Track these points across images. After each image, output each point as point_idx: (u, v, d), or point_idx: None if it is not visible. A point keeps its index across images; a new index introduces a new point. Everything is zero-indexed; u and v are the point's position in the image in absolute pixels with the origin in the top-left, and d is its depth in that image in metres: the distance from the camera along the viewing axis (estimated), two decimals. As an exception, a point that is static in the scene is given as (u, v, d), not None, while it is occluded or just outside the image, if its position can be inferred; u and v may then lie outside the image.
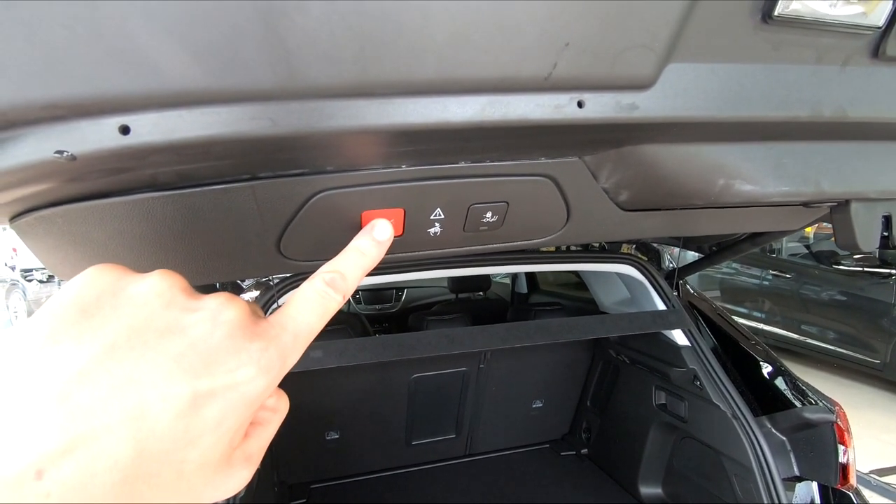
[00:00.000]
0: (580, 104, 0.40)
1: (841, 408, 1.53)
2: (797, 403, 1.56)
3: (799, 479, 1.53)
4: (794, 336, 5.01)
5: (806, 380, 1.67)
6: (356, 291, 3.58)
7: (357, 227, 0.42)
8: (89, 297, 0.25)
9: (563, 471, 2.38)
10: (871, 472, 3.05)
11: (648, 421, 2.03)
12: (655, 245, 2.15)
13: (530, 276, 3.54)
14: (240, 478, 0.27)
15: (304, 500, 2.11)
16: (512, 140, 0.43)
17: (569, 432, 2.59)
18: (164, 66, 0.31)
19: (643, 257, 1.96)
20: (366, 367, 1.97)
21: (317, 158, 0.42)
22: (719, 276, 5.79)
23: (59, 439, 0.21)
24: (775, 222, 0.74)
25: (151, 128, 0.32)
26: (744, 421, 1.59)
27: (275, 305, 1.48)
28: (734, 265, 5.58)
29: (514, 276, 3.70)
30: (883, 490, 2.90)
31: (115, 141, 0.32)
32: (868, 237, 0.60)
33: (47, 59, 0.29)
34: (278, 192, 0.44)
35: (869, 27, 0.44)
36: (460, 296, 3.73)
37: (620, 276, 1.99)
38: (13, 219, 0.46)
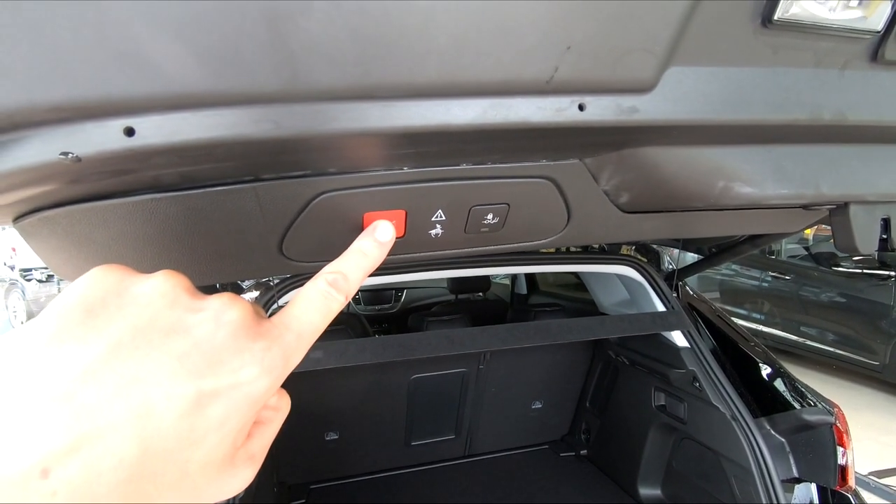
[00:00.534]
0: (581, 107, 0.40)
1: (840, 409, 1.54)
2: (796, 405, 1.57)
3: (798, 480, 1.53)
4: (794, 338, 5.02)
5: (805, 381, 1.67)
6: (356, 292, 3.58)
7: (359, 229, 0.43)
8: (94, 297, 0.25)
9: (563, 472, 2.38)
10: (870, 473, 3.06)
11: (648, 422, 2.03)
12: (655, 246, 2.15)
13: (530, 278, 3.54)
14: (243, 477, 0.27)
15: (303, 501, 2.12)
16: (513, 142, 0.43)
17: (568, 433, 2.59)
18: (168, 68, 0.31)
19: (643, 259, 1.97)
20: (365, 367, 1.97)
21: (319, 160, 0.42)
22: (718, 277, 5.80)
23: (64, 438, 0.21)
24: (775, 224, 0.75)
25: (156, 130, 0.32)
26: (743, 422, 1.59)
27: (275, 306, 1.48)
28: (733, 267, 5.59)
29: (514, 277, 3.70)
30: (882, 492, 2.90)
31: (120, 143, 0.32)
32: (867, 240, 0.60)
33: (53, 61, 0.29)
34: (281, 194, 0.44)
35: (868, 31, 0.44)
36: (460, 296, 3.73)
37: (620, 277, 2.00)
38: (17, 219, 0.46)
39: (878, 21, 0.43)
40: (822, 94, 0.46)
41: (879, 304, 4.29)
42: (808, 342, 4.89)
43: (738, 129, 0.46)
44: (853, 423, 1.55)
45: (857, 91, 0.47)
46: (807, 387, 1.64)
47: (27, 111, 0.30)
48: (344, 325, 1.93)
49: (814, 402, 1.55)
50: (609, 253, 1.94)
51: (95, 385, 0.23)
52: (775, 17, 0.41)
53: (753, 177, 0.52)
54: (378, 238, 0.38)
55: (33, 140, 0.32)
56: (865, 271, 4.43)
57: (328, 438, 2.17)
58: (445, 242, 0.54)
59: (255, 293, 1.64)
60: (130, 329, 0.25)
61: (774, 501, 1.47)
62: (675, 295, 1.90)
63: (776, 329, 5.17)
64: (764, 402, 1.66)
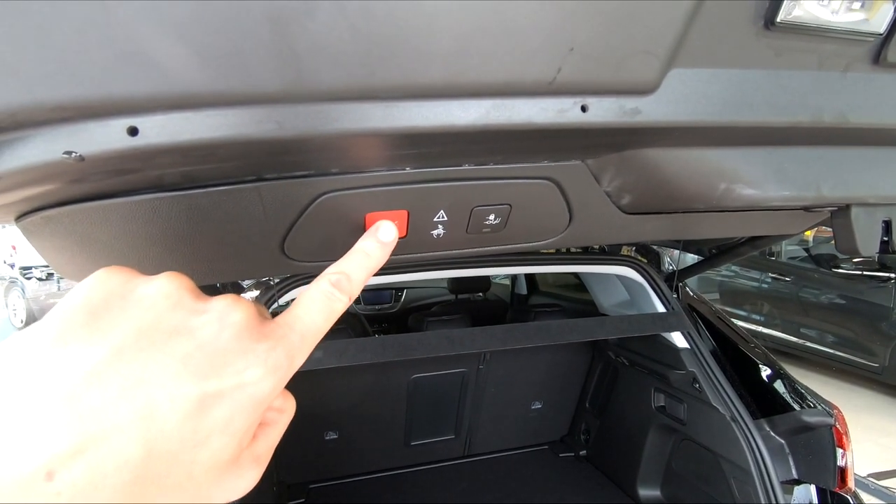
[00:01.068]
0: (584, 108, 0.40)
1: (839, 411, 1.54)
2: (796, 406, 1.57)
3: (797, 482, 1.53)
4: (793, 339, 5.02)
5: (804, 383, 1.67)
6: (357, 292, 3.58)
7: (361, 229, 0.42)
8: (97, 299, 0.25)
9: (562, 472, 2.38)
10: (869, 475, 3.06)
11: (647, 423, 2.03)
12: (655, 247, 2.15)
13: (530, 278, 3.54)
14: (248, 478, 0.27)
15: (302, 500, 2.12)
16: (515, 143, 0.43)
17: (567, 434, 2.59)
18: (171, 68, 0.31)
19: (643, 259, 1.97)
20: (365, 367, 1.97)
21: (322, 160, 0.42)
22: (718, 278, 5.79)
23: (69, 440, 0.21)
24: (776, 226, 0.75)
25: (159, 129, 0.32)
26: (742, 424, 1.59)
27: (275, 305, 1.48)
28: (733, 268, 5.59)
29: (514, 278, 3.70)
30: (881, 494, 2.90)
31: (123, 142, 0.32)
32: (868, 242, 0.60)
33: (57, 60, 0.29)
34: (283, 194, 0.44)
35: (870, 34, 0.44)
36: (460, 296, 3.73)
37: (620, 278, 2.00)
38: (19, 218, 0.46)
39: (880, 23, 0.43)
40: (824, 97, 0.46)
41: (879, 306, 4.29)
42: (808, 344, 4.88)
43: (740, 131, 0.46)
44: (852, 425, 1.55)
45: (859, 93, 0.47)
46: (807, 388, 1.64)
47: (31, 110, 0.30)
48: (344, 325, 1.93)
49: (813, 404, 1.56)
50: (609, 254, 1.94)
51: (100, 387, 0.23)
52: (778, 19, 0.41)
53: (755, 179, 0.52)
54: (381, 238, 0.38)
55: (37, 139, 0.32)
56: (865, 273, 4.43)
57: (328, 438, 2.17)
58: (447, 243, 0.54)
59: (256, 292, 1.64)
60: (134, 331, 0.25)
61: (774, 503, 1.47)
62: (675, 296, 1.90)
63: (776, 330, 5.17)
64: (764, 403, 1.66)
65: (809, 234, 5.12)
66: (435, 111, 0.36)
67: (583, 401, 2.50)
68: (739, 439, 1.58)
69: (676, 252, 2.04)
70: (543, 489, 2.27)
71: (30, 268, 6.97)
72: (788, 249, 5.25)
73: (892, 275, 4.26)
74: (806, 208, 0.64)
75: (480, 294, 3.84)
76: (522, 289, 3.61)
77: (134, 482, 0.22)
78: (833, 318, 4.66)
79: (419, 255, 0.58)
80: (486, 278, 3.70)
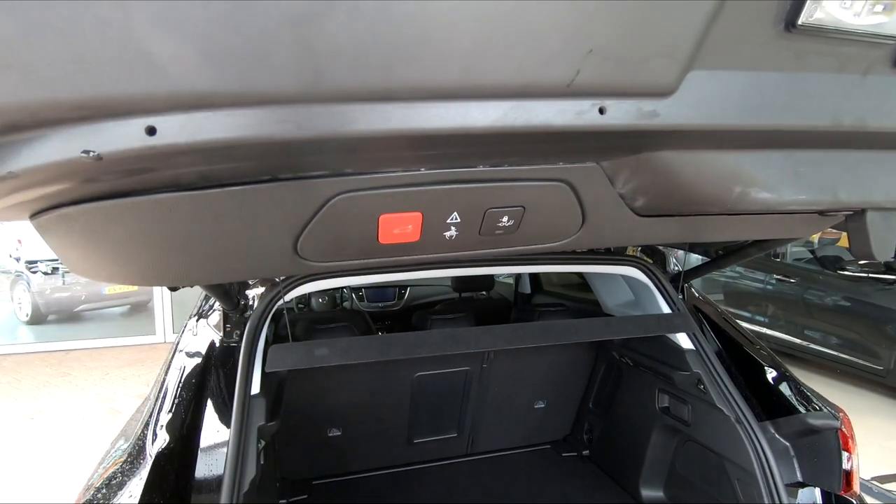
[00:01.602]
0: (602, 111, 0.40)
1: (845, 414, 1.53)
2: (801, 409, 1.56)
3: (802, 484, 1.53)
4: (797, 341, 5.00)
5: (808, 385, 1.66)
6: (359, 289, 3.58)
7: (374, 231, 0.42)
8: None
9: (565, 472, 2.38)
10: (873, 478, 3.05)
11: (651, 424, 2.03)
12: (661, 248, 2.14)
13: (534, 277, 3.53)
14: None
15: (305, 497, 2.12)
16: (531, 145, 0.43)
17: (570, 433, 2.59)
18: (191, 68, 0.31)
19: (649, 260, 1.96)
20: (369, 365, 1.97)
21: (338, 161, 0.42)
22: (723, 279, 5.78)
23: None
24: (789, 230, 0.74)
25: (178, 129, 0.32)
26: (747, 426, 1.59)
27: (280, 302, 1.48)
28: (738, 269, 5.57)
29: (518, 277, 3.69)
30: (884, 497, 2.89)
31: (142, 141, 0.32)
32: (884, 246, 0.60)
33: (77, 59, 0.29)
34: (298, 194, 0.44)
35: (891, 37, 0.44)
36: (463, 295, 3.72)
37: (625, 278, 1.99)
38: (34, 215, 0.46)
39: None
40: (843, 100, 0.46)
41: (885, 308, 4.27)
42: (812, 346, 4.87)
43: (757, 135, 0.46)
44: (856, 428, 1.54)
45: (878, 97, 0.46)
46: (812, 391, 1.63)
47: (51, 108, 0.30)
48: (348, 323, 1.93)
49: (819, 407, 1.55)
50: (615, 254, 1.93)
51: None
52: (799, 22, 0.41)
53: (770, 182, 0.52)
54: None
55: (55, 138, 0.32)
56: (871, 276, 4.41)
57: (331, 435, 2.17)
58: (459, 244, 0.54)
59: (261, 289, 1.64)
60: None
61: (778, 505, 1.47)
62: (680, 297, 1.89)
63: (780, 332, 5.15)
64: (769, 405, 1.65)
65: (815, 236, 5.09)
66: (453, 113, 0.36)
67: (586, 400, 2.49)
68: (744, 441, 1.58)
69: (681, 253, 2.03)
70: (546, 488, 2.27)
71: (35, 262, 6.99)
72: (793, 251, 5.22)
73: (898, 277, 4.24)
74: (821, 212, 0.64)
75: (484, 293, 3.84)
76: (526, 288, 3.60)
77: None
78: (838, 321, 4.64)
79: (429, 256, 0.57)
80: (490, 277, 3.70)
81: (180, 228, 0.45)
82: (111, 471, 1.23)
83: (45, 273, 6.93)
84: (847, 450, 1.47)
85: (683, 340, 1.84)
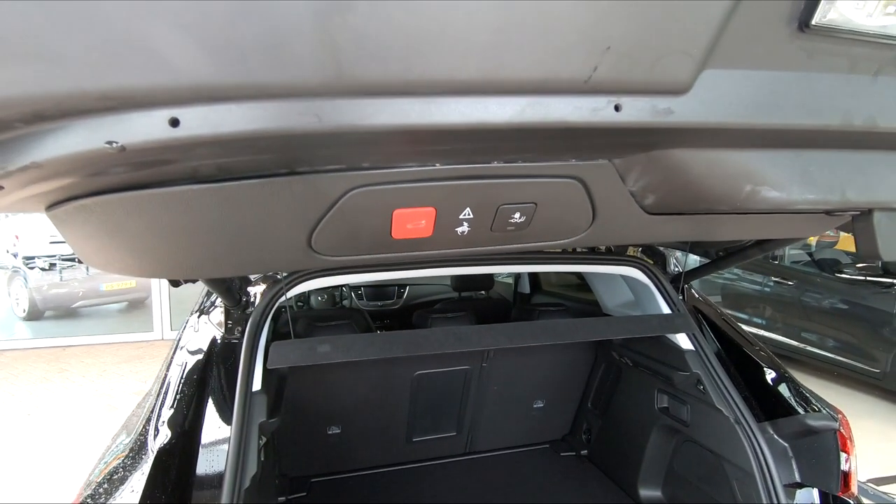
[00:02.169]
0: (617, 108, 0.40)
1: (844, 416, 1.54)
2: (800, 410, 1.57)
3: (800, 485, 1.54)
4: (794, 343, 5.02)
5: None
6: (359, 287, 3.58)
7: (388, 226, 0.43)
8: None
9: (563, 471, 2.38)
10: (869, 480, 3.06)
11: (650, 424, 2.03)
12: (661, 248, 2.15)
13: (533, 277, 3.53)
14: None
15: (304, 494, 2.12)
16: (546, 141, 0.44)
17: (569, 433, 2.60)
18: (215, 60, 0.31)
19: (649, 260, 1.96)
20: (369, 363, 1.97)
21: (355, 155, 0.42)
22: (721, 281, 5.79)
23: None
24: (796, 229, 0.75)
25: (201, 121, 0.33)
26: (746, 426, 1.60)
27: (283, 298, 1.48)
28: (736, 271, 5.59)
29: (518, 276, 3.69)
30: (880, 499, 2.91)
31: (165, 133, 0.33)
32: (890, 246, 0.60)
33: (103, 50, 0.30)
34: (314, 187, 0.44)
35: None
36: (463, 294, 3.72)
37: (625, 278, 2.00)
38: (50, 207, 0.46)
39: None
40: (855, 100, 0.46)
41: (882, 311, 4.29)
42: (809, 348, 4.89)
43: (768, 133, 0.46)
44: (852, 430, 1.55)
45: (889, 97, 0.47)
46: (811, 392, 1.64)
47: (76, 98, 0.30)
48: (348, 321, 1.93)
49: (818, 408, 1.56)
50: (615, 254, 1.94)
51: None
52: (813, 22, 0.41)
53: (780, 181, 0.52)
54: None
55: (79, 129, 0.32)
56: (868, 279, 4.43)
57: (330, 432, 2.17)
58: (471, 240, 0.54)
59: (263, 286, 1.64)
60: None
61: (776, 505, 1.48)
62: (680, 298, 1.90)
63: (777, 334, 5.17)
64: (768, 406, 1.66)
65: (812, 239, 5.11)
66: (472, 107, 0.37)
67: (585, 400, 2.50)
68: (743, 442, 1.58)
69: (681, 253, 2.04)
70: (544, 487, 2.27)
71: (33, 257, 6.97)
72: (791, 254, 5.24)
73: (895, 281, 4.26)
74: (828, 212, 0.64)
75: (483, 292, 3.84)
76: (525, 288, 3.61)
77: None
78: (835, 323, 4.66)
79: (440, 251, 0.58)
80: (490, 276, 3.70)
81: (196, 221, 0.45)
82: (112, 466, 1.23)
83: (43, 269, 6.91)
84: (845, 451, 1.47)
85: (683, 341, 1.85)
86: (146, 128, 0.33)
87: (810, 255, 5.05)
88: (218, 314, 1.69)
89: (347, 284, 2.82)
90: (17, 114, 0.31)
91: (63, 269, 6.84)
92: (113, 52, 0.30)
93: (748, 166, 0.52)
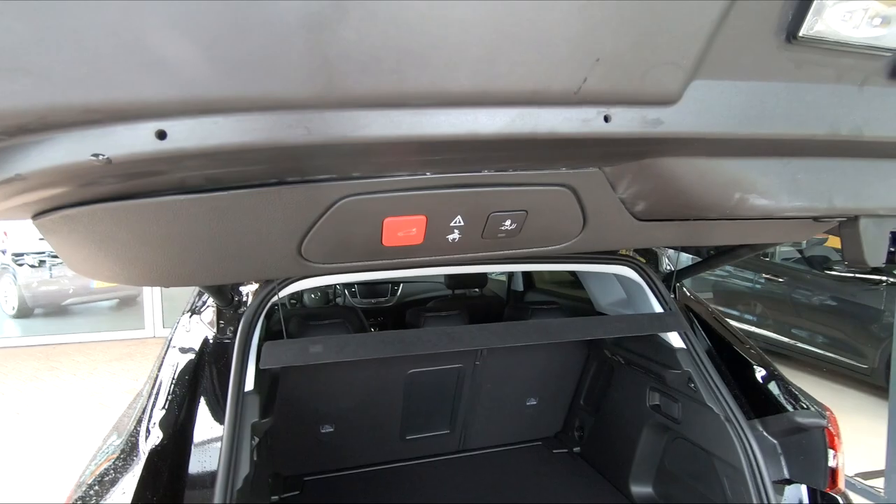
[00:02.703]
0: (607, 118, 0.40)
1: (832, 413, 1.56)
2: (789, 408, 1.59)
3: (789, 481, 1.56)
4: (785, 339, 5.07)
5: (795, 384, 1.69)
6: (352, 285, 3.57)
7: (378, 234, 0.43)
8: None
9: (555, 468, 2.40)
10: (856, 475, 3.11)
11: (641, 421, 2.05)
12: (653, 248, 2.16)
13: (527, 275, 3.54)
14: None
15: (297, 493, 2.12)
16: (537, 151, 0.44)
17: (562, 430, 2.61)
18: (203, 73, 0.31)
19: (642, 259, 1.98)
20: (362, 362, 1.97)
21: (345, 165, 0.42)
22: (712, 278, 5.84)
23: None
24: (784, 234, 0.75)
25: (188, 133, 0.32)
26: (736, 424, 1.61)
27: (275, 298, 1.48)
28: (727, 268, 5.63)
29: (511, 274, 3.70)
30: (867, 493, 2.95)
31: (152, 145, 0.32)
32: (876, 252, 0.61)
33: (88, 63, 0.29)
34: (304, 197, 0.44)
35: (888, 49, 0.45)
36: (456, 292, 3.73)
37: (618, 277, 2.01)
38: (37, 216, 0.45)
39: None
40: (841, 110, 0.47)
41: (870, 308, 4.35)
42: (799, 344, 4.94)
43: (757, 143, 0.47)
44: (841, 425, 1.57)
45: (874, 107, 0.47)
46: (800, 390, 1.66)
47: (61, 112, 0.30)
48: (342, 319, 1.93)
49: (807, 406, 1.58)
50: (608, 253, 1.95)
51: None
52: (800, 34, 0.42)
53: (769, 189, 0.53)
54: None
55: (64, 141, 0.32)
56: (857, 276, 4.48)
57: (323, 431, 2.17)
58: (462, 247, 0.54)
59: (255, 286, 1.64)
60: None
61: (765, 502, 1.50)
62: (672, 296, 1.91)
63: (767, 331, 5.22)
64: (757, 404, 1.68)
65: (803, 236, 5.16)
66: (462, 119, 0.37)
67: (577, 398, 2.52)
68: (733, 439, 1.60)
69: (673, 252, 2.05)
70: (537, 484, 2.29)
71: (22, 254, 6.90)
72: (782, 251, 5.29)
73: (884, 278, 4.31)
74: (815, 218, 0.65)
75: (477, 290, 3.85)
76: (519, 285, 3.62)
77: None
78: (824, 320, 4.72)
79: (431, 258, 0.58)
80: (484, 275, 3.70)
81: (184, 231, 0.44)
82: (103, 467, 1.22)
83: (32, 266, 6.84)
84: (833, 448, 1.49)
85: (675, 339, 1.86)
86: (133, 140, 0.33)
87: (800, 252, 5.10)
88: (210, 314, 1.68)
89: (340, 283, 2.81)
90: None
91: (53, 265, 6.78)
92: (99, 66, 0.30)
93: (737, 174, 0.52)
